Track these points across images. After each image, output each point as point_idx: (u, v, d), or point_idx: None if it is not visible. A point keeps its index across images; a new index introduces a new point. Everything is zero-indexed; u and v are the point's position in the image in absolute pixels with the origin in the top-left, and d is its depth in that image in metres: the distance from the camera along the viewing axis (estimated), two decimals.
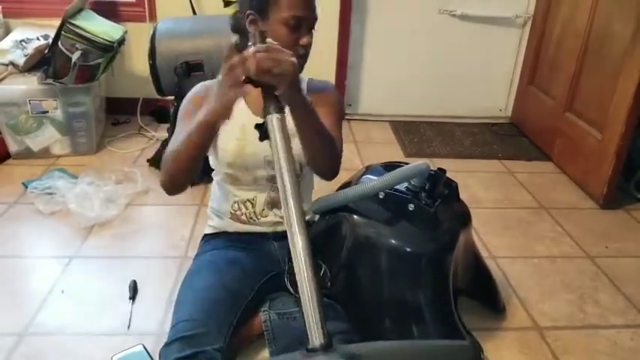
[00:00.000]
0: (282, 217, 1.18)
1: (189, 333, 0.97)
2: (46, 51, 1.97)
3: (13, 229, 1.62)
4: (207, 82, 1.16)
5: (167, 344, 0.97)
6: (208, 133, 0.95)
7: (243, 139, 1.12)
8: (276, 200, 1.19)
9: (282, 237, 1.19)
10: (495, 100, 2.65)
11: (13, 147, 2.04)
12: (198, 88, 1.16)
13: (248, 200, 1.19)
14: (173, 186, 1.04)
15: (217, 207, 1.25)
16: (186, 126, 1.00)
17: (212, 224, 1.27)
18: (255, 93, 1.05)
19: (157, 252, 1.54)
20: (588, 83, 2.02)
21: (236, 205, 1.20)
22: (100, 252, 1.52)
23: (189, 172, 1.02)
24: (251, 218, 1.20)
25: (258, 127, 0.82)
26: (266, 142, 1.07)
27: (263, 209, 1.19)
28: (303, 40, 1.05)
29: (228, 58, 0.86)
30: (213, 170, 1.22)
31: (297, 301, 1.16)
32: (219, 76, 0.89)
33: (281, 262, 1.20)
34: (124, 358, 1.13)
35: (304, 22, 1.05)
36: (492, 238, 1.67)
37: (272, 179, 1.15)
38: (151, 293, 1.35)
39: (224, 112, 0.91)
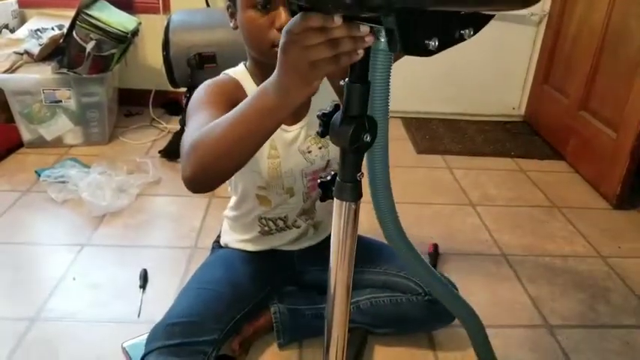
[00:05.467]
0: (313, 225, 1.14)
1: (182, 320, 0.94)
2: (61, 41, 1.99)
3: (26, 216, 1.64)
4: (219, 79, 0.97)
5: (157, 326, 0.94)
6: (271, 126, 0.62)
7: (276, 155, 0.98)
8: (307, 209, 1.10)
9: (304, 250, 1.17)
10: (509, 98, 2.63)
11: (26, 136, 2.05)
12: (213, 81, 0.96)
13: (279, 218, 1.10)
14: (207, 180, 0.70)
15: (239, 236, 1.14)
16: (208, 112, 0.78)
17: (226, 242, 1.19)
18: None
19: (168, 242, 1.54)
20: (604, 82, 1.99)
21: (264, 220, 1.10)
22: (112, 241, 1.53)
23: (237, 166, 0.69)
24: (282, 229, 1.12)
25: (323, 117, 0.58)
26: (300, 154, 0.99)
27: (295, 220, 1.11)
28: (278, 22, 0.81)
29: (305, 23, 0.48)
30: None
31: (307, 298, 1.17)
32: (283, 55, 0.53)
33: (298, 268, 1.19)
34: (134, 345, 1.13)
35: None
36: (504, 235, 1.65)
37: (309, 190, 1.06)
38: (161, 282, 1.36)
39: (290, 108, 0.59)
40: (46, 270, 1.41)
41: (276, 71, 0.55)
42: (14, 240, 1.52)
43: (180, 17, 1.93)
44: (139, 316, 1.24)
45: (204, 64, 1.86)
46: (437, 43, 0.48)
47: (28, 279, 1.37)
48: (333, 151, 1.04)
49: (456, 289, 1.10)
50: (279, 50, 0.52)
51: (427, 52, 0.49)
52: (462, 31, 0.50)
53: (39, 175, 1.80)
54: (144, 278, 1.36)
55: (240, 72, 0.98)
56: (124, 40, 2.00)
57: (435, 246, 1.51)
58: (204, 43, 1.87)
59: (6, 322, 1.21)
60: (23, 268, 1.40)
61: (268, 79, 0.57)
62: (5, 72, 1.96)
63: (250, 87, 0.96)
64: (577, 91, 2.14)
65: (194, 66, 1.85)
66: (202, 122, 0.74)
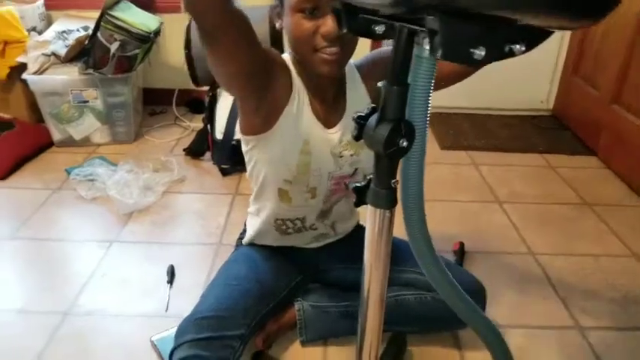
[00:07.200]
0: (332, 227, 1.14)
1: (211, 314, 0.95)
2: (86, 42, 2.03)
3: (57, 213, 1.68)
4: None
5: (186, 320, 0.96)
6: None
7: (308, 151, 0.97)
8: (326, 211, 1.09)
9: (324, 247, 1.17)
10: (536, 92, 2.56)
11: (56, 135, 2.11)
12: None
13: (297, 219, 1.09)
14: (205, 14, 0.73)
15: (260, 234, 1.14)
16: None
17: (249, 239, 1.18)
18: (325, 104, 0.97)
19: (194, 239, 1.56)
20: (637, 74, 1.92)
21: (280, 221, 1.09)
22: (139, 237, 1.56)
23: None
24: (299, 230, 1.11)
25: (359, 119, 0.58)
26: (332, 156, 0.98)
27: (313, 224, 1.10)
28: (323, 29, 0.83)
29: None
30: (241, 158, 1.07)
31: (331, 296, 1.17)
32: None
33: (320, 266, 1.19)
34: (162, 339, 1.16)
35: (322, 2, 0.83)
36: (532, 234, 1.61)
37: (331, 194, 1.06)
38: (187, 278, 1.38)
39: None
40: (77, 266, 1.45)
41: None
42: (47, 236, 1.56)
43: None
44: (166, 310, 1.27)
45: None
46: (484, 53, 0.44)
47: (61, 274, 1.40)
48: (364, 160, 1.03)
49: (484, 291, 1.09)
50: None
51: (472, 62, 0.44)
52: (512, 46, 0.45)
53: (69, 174, 1.85)
54: (171, 274, 1.38)
55: (287, 59, 0.98)
56: (147, 40, 2.03)
57: (461, 244, 1.48)
58: None
59: (40, 315, 1.24)
60: (56, 264, 1.45)
61: None
62: (34, 73, 2.02)
63: (296, 77, 0.96)
64: (609, 83, 2.07)
65: None
66: None
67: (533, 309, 1.31)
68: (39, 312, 1.26)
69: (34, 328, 1.20)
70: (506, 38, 0.46)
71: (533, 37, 0.47)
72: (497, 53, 0.45)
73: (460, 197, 1.82)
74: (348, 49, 0.88)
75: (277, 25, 0.92)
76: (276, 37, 1.87)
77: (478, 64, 0.45)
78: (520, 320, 1.26)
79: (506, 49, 0.46)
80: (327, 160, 1.00)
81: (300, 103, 0.95)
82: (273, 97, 0.92)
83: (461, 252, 1.46)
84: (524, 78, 2.51)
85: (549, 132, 2.38)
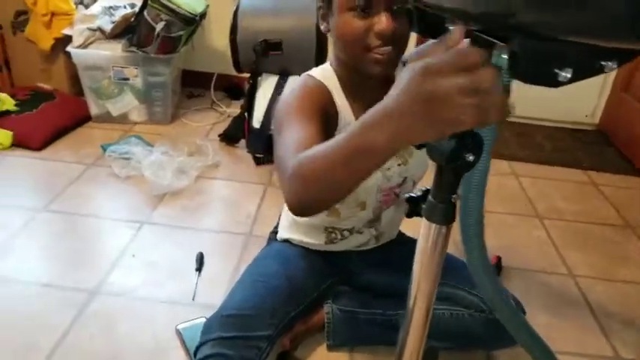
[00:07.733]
0: (376, 236, 1.11)
1: (238, 312, 0.93)
2: (132, 19, 2.03)
3: (91, 189, 1.69)
4: (308, 85, 0.89)
5: (213, 317, 0.94)
6: (375, 162, 0.53)
7: None
8: (373, 220, 1.07)
9: (364, 251, 1.13)
10: (583, 105, 2.45)
11: (94, 110, 2.12)
12: (302, 87, 0.88)
13: (346, 229, 1.07)
14: (314, 207, 0.65)
15: (302, 238, 1.11)
16: (300, 127, 0.75)
17: (286, 237, 1.14)
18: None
19: (224, 227, 1.55)
20: None
21: (330, 228, 1.07)
22: (170, 221, 1.56)
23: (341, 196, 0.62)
24: (346, 237, 1.09)
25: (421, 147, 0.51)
26: (379, 171, 0.94)
27: (361, 231, 1.09)
28: (378, 27, 0.78)
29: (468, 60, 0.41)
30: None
31: (362, 301, 1.14)
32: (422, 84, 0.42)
33: (355, 268, 1.15)
34: (188, 328, 1.15)
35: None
36: (572, 253, 1.55)
37: (380, 205, 1.03)
38: (215, 267, 1.37)
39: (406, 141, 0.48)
40: (107, 244, 1.45)
41: (397, 105, 0.44)
42: (79, 212, 1.57)
43: (249, 2, 1.92)
44: (193, 299, 1.26)
45: (270, 51, 1.85)
46: (570, 75, 0.39)
47: (91, 251, 1.41)
48: (412, 168, 0.99)
49: (524, 312, 1.04)
50: (414, 81, 0.42)
51: (554, 84, 0.40)
52: (602, 62, 0.41)
53: (104, 150, 1.86)
54: (200, 261, 1.37)
55: (328, 77, 0.90)
56: (193, 23, 2.02)
57: (498, 259, 1.43)
58: (272, 30, 1.85)
59: (67, 292, 1.25)
60: (85, 240, 1.45)
61: (381, 109, 0.46)
62: (79, 47, 2.03)
63: (340, 100, 0.90)
64: None
65: (259, 52, 1.84)
66: (296, 139, 0.71)
67: (569, 334, 1.25)
68: (66, 288, 1.26)
69: (61, 304, 1.21)
70: (598, 56, 0.41)
71: (626, 53, 0.42)
72: (587, 72, 0.41)
73: (498, 208, 1.76)
74: (400, 47, 0.83)
75: (323, 27, 0.87)
76: (320, 32, 1.83)
77: (562, 85, 0.40)
78: (554, 344, 1.17)
79: (597, 65, 0.41)
80: (374, 175, 0.96)
81: (344, 124, 0.90)
82: (328, 133, 0.85)
83: (498, 267, 1.41)
84: (570, 90, 2.36)
85: (593, 147, 2.28)
